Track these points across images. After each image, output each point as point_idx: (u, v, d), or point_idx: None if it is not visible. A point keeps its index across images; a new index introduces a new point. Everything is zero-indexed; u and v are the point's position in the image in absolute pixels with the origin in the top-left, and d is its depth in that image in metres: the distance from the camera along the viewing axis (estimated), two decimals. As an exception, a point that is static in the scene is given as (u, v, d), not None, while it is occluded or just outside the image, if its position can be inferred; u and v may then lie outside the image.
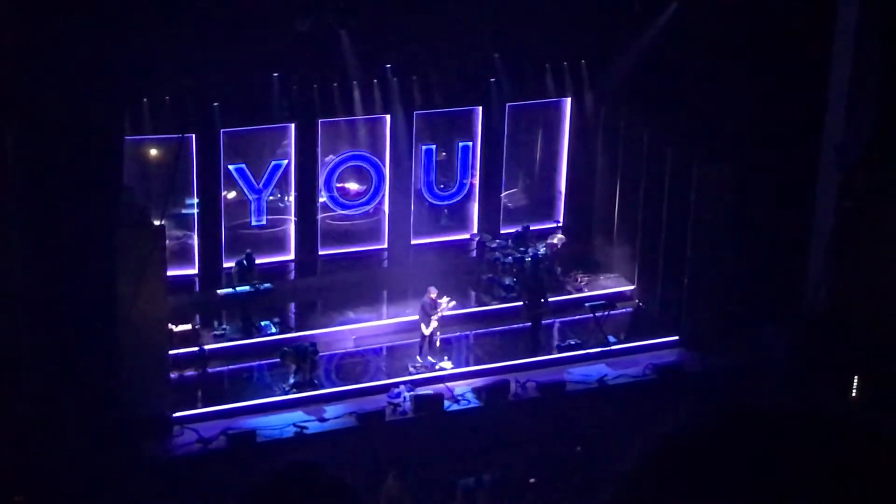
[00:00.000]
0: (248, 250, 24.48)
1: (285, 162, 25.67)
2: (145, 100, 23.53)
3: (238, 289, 24.10)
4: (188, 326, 23.30)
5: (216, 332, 24.01)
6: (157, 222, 21.88)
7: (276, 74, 24.62)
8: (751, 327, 23.78)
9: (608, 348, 24.20)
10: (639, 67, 25.50)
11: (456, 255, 26.99)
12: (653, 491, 2.31)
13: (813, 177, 24.03)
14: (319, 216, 26.22)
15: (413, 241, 26.97)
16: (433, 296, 23.45)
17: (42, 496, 19.89)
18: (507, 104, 26.94)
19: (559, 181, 28.10)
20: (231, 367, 23.51)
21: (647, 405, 20.87)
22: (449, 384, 22.87)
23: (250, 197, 25.52)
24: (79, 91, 19.96)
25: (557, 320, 25.38)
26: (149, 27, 21.58)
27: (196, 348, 23.01)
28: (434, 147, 26.88)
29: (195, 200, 25.05)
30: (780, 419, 2.34)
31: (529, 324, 24.42)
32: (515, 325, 24.94)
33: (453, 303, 23.87)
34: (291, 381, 22.35)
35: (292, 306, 25.45)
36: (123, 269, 20.77)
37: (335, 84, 25.26)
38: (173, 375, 22.22)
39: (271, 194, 25.83)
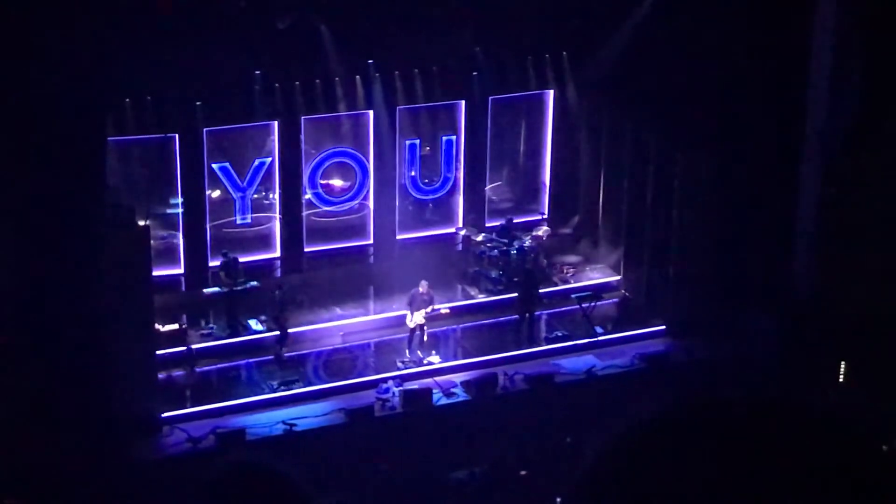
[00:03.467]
0: (225, 251, 24.51)
1: (269, 160, 25.61)
2: (127, 100, 23.46)
3: (225, 289, 24.12)
4: (175, 326, 23.27)
5: (203, 332, 23.99)
6: (141, 222, 21.83)
7: (257, 72, 24.56)
8: (737, 315, 23.81)
9: (596, 339, 24.22)
10: (620, 58, 25.48)
11: (442, 249, 26.97)
12: (610, 483, 2.27)
13: (796, 164, 24.06)
14: (304, 213, 26.17)
15: (399, 236, 26.95)
16: (422, 290, 23.44)
17: (32, 498, 19.83)
18: (490, 98, 26.92)
19: (543, 173, 28.10)
20: (219, 365, 23.50)
21: (636, 395, 20.89)
22: (438, 379, 22.87)
23: (235, 195, 25.48)
24: (61, 93, 19.90)
25: (545, 312, 25.38)
26: (130, 27, 21.52)
27: (183, 348, 22.99)
28: (418, 142, 26.85)
29: (179, 200, 24.98)
30: (745, 410, 2.30)
31: (519, 317, 24.38)
32: (503, 318, 24.95)
33: (446, 310, 23.95)
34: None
35: (279, 304, 25.38)
36: (109, 269, 20.73)
37: (317, 81, 25.20)
38: (161, 376, 22.19)
39: (256, 192, 25.78)
